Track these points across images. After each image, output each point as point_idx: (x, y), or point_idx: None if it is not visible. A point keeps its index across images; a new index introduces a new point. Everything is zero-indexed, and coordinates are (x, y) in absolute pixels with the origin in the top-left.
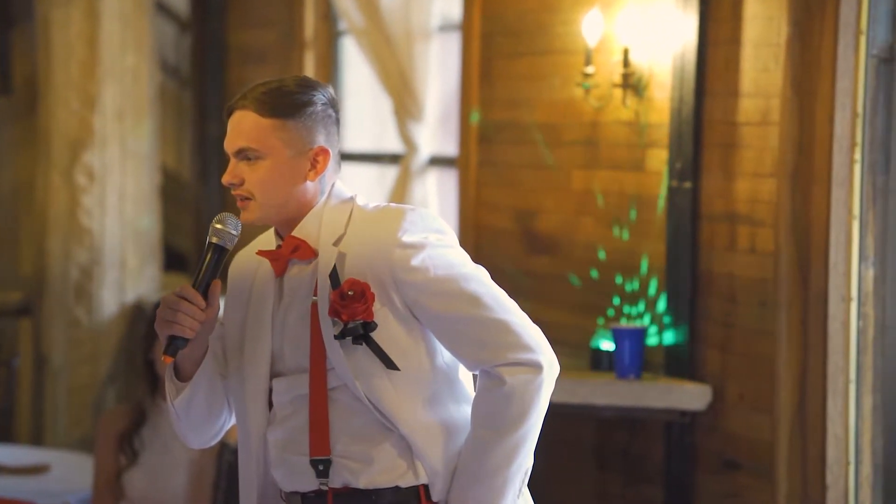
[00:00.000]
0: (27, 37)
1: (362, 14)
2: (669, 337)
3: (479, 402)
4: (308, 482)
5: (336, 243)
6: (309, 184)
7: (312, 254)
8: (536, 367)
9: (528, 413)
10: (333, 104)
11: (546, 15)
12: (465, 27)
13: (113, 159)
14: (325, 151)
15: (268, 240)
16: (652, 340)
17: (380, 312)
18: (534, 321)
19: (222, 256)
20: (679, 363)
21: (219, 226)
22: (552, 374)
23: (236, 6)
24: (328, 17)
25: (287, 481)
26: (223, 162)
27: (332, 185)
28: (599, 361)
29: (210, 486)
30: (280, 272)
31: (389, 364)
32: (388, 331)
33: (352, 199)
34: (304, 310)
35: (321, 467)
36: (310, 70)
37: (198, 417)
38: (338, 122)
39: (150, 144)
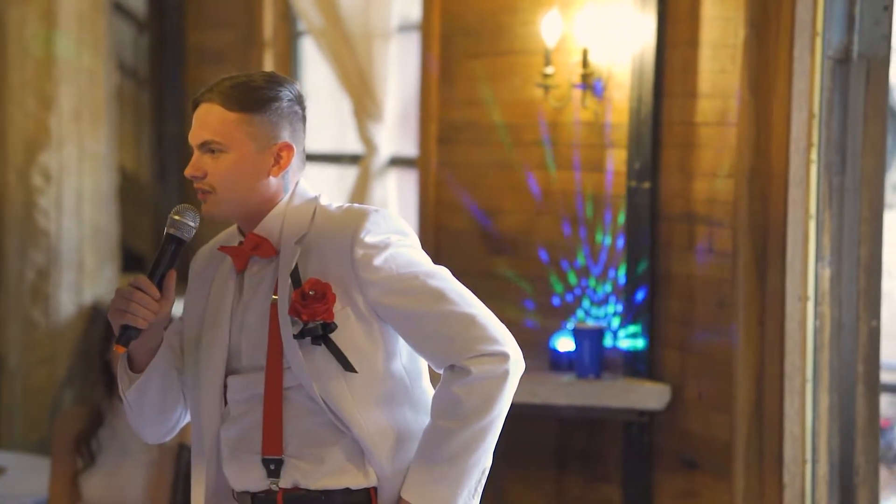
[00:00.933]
0: None
1: (321, 14)
2: (628, 337)
3: (440, 394)
4: (259, 481)
5: (298, 242)
6: (272, 179)
7: (274, 252)
8: (502, 357)
9: (491, 404)
10: (300, 101)
11: (505, 15)
12: (425, 27)
13: (70, 160)
14: (289, 147)
15: (230, 236)
16: (611, 341)
17: (340, 313)
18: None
19: (179, 248)
20: (638, 363)
21: (177, 217)
22: (518, 368)
23: (194, 6)
24: (287, 17)
25: (238, 480)
26: (182, 162)
27: (297, 184)
28: (559, 362)
29: (168, 487)
30: (241, 268)
31: (347, 366)
32: (348, 332)
33: (315, 198)
34: (263, 308)
35: (272, 467)
36: (268, 70)
37: (151, 409)
38: (304, 119)
39: (108, 145)
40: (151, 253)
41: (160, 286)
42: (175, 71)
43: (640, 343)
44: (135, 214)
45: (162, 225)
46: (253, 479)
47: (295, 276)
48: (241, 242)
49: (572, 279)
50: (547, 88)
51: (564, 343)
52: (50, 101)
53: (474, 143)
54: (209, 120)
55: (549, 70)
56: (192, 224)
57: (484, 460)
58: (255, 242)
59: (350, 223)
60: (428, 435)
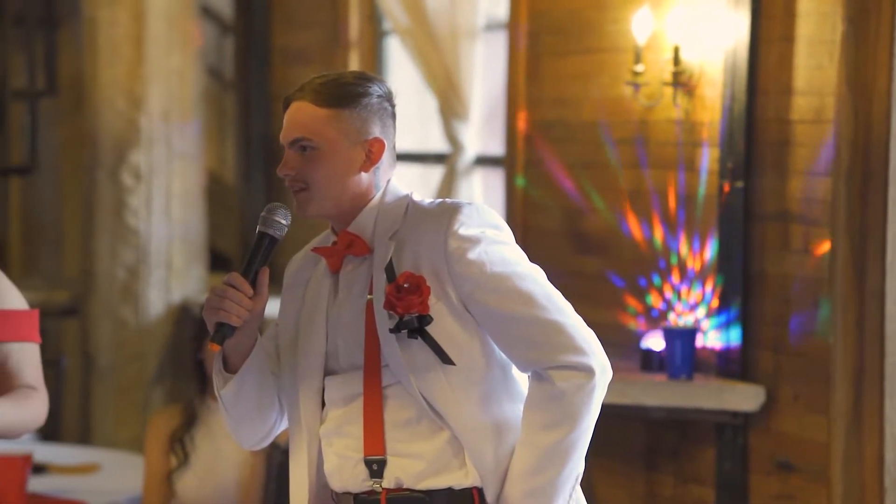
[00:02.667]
0: (73, 37)
1: (407, 14)
2: (721, 337)
3: (530, 406)
4: (361, 482)
5: (392, 237)
6: (363, 175)
7: (367, 250)
8: (588, 372)
9: (578, 418)
10: (389, 98)
11: (594, 13)
12: (512, 26)
13: (159, 160)
14: (380, 142)
15: (324, 239)
16: (703, 341)
17: (435, 306)
18: (587, 323)
19: (272, 245)
20: (731, 364)
21: (268, 215)
22: (604, 380)
23: (279, 7)
24: (372, 17)
25: (339, 481)
26: (267, 163)
27: (388, 182)
28: (650, 362)
29: (260, 487)
30: (335, 268)
31: (445, 358)
32: (444, 325)
33: (408, 195)
34: (359, 307)
35: (375, 467)
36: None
37: (246, 412)
38: (393, 116)
39: (196, 145)
40: (237, 253)
41: (254, 284)
42: (261, 72)
43: (733, 343)
44: (219, 215)
45: (247, 226)
46: (355, 480)
47: (389, 270)
48: (334, 242)
49: (663, 279)
50: (637, 86)
51: (655, 343)
52: (139, 101)
53: (562, 141)
54: (300, 118)
55: (640, 68)
56: (283, 222)
57: (577, 468)
58: (348, 240)
59: (444, 216)
60: (519, 448)
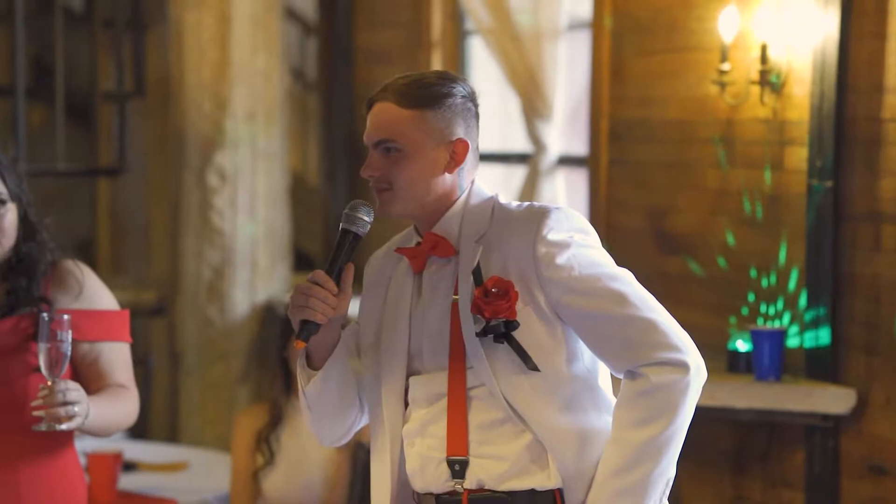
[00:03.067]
0: (161, 40)
1: (490, 13)
2: (810, 339)
3: (621, 404)
4: (443, 482)
5: (479, 240)
6: (447, 176)
7: (452, 251)
8: (683, 368)
9: (673, 414)
10: (473, 98)
11: (679, 11)
12: (596, 24)
13: (244, 160)
14: (464, 143)
15: (406, 238)
16: (792, 342)
17: (522, 312)
18: None
19: (355, 243)
20: (821, 366)
21: (351, 212)
22: (699, 378)
23: (363, 7)
24: (455, 17)
25: (421, 481)
26: (351, 164)
27: (473, 183)
28: (737, 363)
29: (346, 485)
30: (419, 269)
31: (530, 364)
32: (530, 331)
33: (493, 197)
34: (443, 308)
35: (457, 467)
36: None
37: (328, 409)
38: (477, 116)
39: (280, 146)
40: (321, 253)
41: (338, 281)
42: (344, 72)
43: (822, 345)
44: (303, 215)
45: (331, 226)
46: (437, 480)
47: (477, 273)
48: (418, 243)
49: (750, 279)
50: (723, 85)
51: (743, 345)
52: (225, 102)
53: (646, 141)
54: (384, 119)
55: (726, 66)
56: (366, 219)
57: (668, 471)
58: (433, 242)
59: (532, 220)
60: (610, 446)
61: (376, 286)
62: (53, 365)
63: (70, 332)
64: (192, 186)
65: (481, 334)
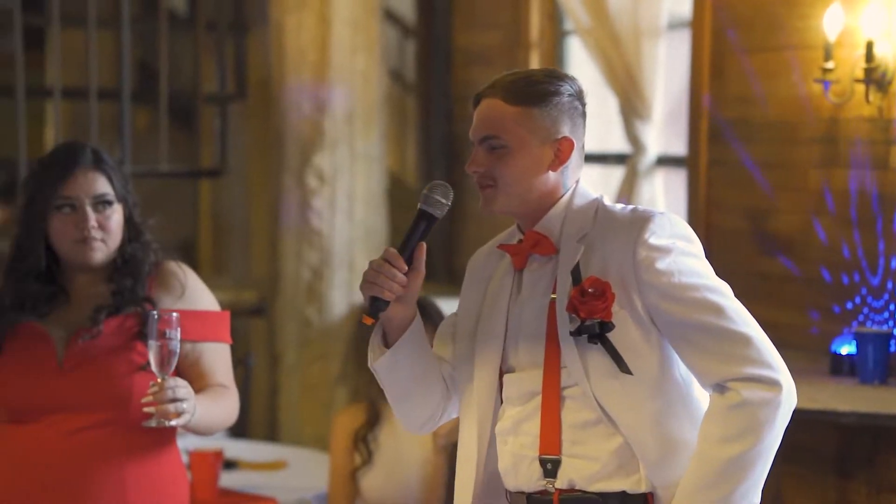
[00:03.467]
0: (261, 42)
1: (589, 13)
2: None
3: (709, 418)
4: (534, 481)
5: (580, 240)
6: (551, 174)
7: (553, 250)
8: (776, 386)
9: (761, 433)
10: (580, 97)
11: (781, 9)
12: (696, 23)
13: (343, 162)
14: (569, 142)
15: (510, 235)
16: None
17: (619, 314)
18: (769, 324)
19: (430, 223)
20: None
21: (429, 193)
22: (790, 400)
23: (461, 9)
24: (554, 17)
25: (512, 479)
26: (449, 164)
27: (577, 182)
28: (840, 366)
29: (443, 485)
30: (519, 266)
31: (623, 366)
32: (625, 334)
33: (597, 199)
34: (541, 306)
35: (549, 466)
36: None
37: (403, 389)
38: (584, 115)
39: (379, 147)
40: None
41: (410, 260)
42: (442, 74)
43: None
44: (400, 216)
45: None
46: (528, 478)
47: (576, 273)
48: (520, 240)
49: (854, 280)
50: (827, 84)
51: (846, 347)
52: (324, 104)
53: (747, 140)
54: (490, 115)
55: (830, 65)
56: (443, 200)
57: (751, 495)
58: (534, 240)
59: (635, 224)
60: (694, 461)
61: (478, 281)
62: (163, 362)
63: (178, 329)
64: (292, 187)
65: (575, 333)
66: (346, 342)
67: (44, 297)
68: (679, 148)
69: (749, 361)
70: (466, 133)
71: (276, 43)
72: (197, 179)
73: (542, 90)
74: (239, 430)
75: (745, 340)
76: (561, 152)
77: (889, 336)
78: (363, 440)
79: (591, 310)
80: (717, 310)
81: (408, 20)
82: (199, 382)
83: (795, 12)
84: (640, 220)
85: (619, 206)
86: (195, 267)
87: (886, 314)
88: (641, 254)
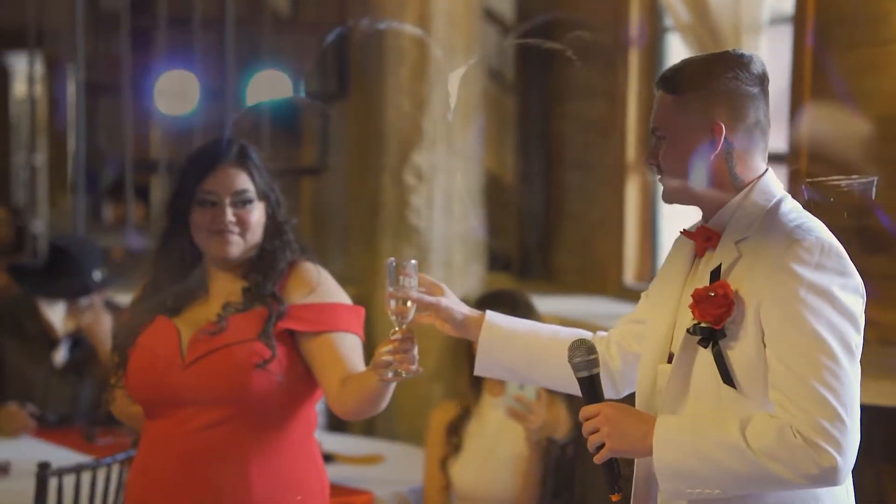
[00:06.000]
0: (363, 42)
1: (688, 9)
2: None
3: (763, 417)
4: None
5: (739, 242)
6: (714, 164)
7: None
8: (830, 455)
9: (782, 467)
10: (752, 80)
11: (886, 3)
12: (798, 18)
13: (441, 160)
14: (720, 127)
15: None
16: None
17: (737, 326)
18: (872, 322)
19: (593, 379)
20: None
21: (573, 360)
22: (831, 478)
23: (562, 6)
24: (653, 13)
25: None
26: (548, 164)
27: (761, 177)
28: None
29: (537, 482)
30: (700, 254)
31: (725, 377)
32: (743, 351)
33: (779, 198)
34: None
35: None
36: (633, 68)
37: (524, 378)
38: (757, 98)
39: (477, 146)
40: (513, 253)
41: (595, 398)
42: (540, 73)
43: None
44: (497, 216)
45: (525, 226)
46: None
47: (715, 274)
48: (698, 230)
49: None
50: None
51: None
52: (423, 102)
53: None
54: (656, 106)
55: None
56: (589, 357)
57: (728, 484)
58: (706, 235)
59: (786, 244)
60: (717, 419)
61: (667, 263)
62: (401, 312)
63: (416, 277)
64: (390, 185)
65: (690, 331)
66: (442, 339)
67: (182, 292)
68: (780, 144)
69: (819, 432)
70: (564, 132)
71: (377, 43)
72: (299, 177)
73: (694, 75)
74: (336, 424)
75: (828, 404)
76: (714, 138)
77: None
78: (455, 434)
79: (703, 312)
80: (815, 365)
81: (507, 19)
82: (337, 370)
83: None
84: (792, 241)
85: (793, 214)
86: None
87: None
88: (778, 276)
